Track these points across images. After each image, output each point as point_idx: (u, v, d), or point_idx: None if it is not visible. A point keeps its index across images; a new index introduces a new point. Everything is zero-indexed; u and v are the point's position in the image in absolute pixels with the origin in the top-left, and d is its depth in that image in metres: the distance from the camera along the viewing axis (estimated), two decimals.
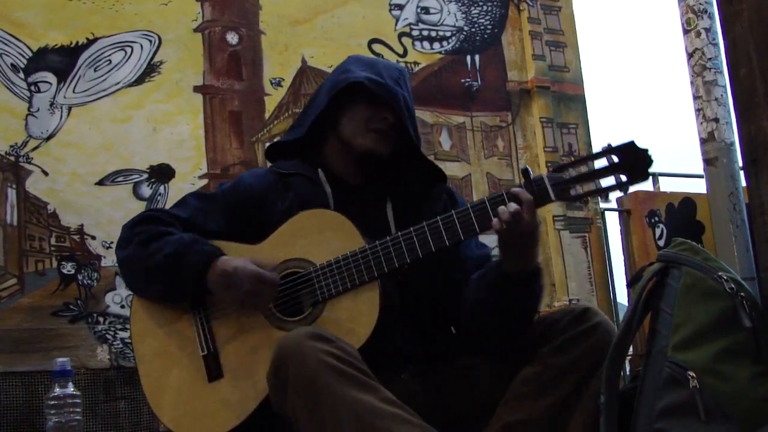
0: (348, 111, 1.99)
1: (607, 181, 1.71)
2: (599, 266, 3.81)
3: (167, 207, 3.01)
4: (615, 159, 1.70)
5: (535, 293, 1.80)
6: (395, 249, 1.78)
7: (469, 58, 3.82)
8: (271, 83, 3.38)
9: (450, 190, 2.08)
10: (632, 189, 1.74)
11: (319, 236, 1.85)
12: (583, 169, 1.72)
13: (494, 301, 1.78)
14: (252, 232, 1.92)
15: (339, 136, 2.00)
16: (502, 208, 1.70)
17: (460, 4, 3.84)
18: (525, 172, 1.74)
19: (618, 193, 1.74)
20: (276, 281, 1.81)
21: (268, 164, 2.16)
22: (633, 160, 1.68)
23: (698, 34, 3.33)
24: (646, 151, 1.69)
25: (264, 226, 1.92)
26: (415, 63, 3.67)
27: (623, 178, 1.69)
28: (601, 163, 1.72)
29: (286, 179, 2.00)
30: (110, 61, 3.13)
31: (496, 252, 1.82)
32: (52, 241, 2.92)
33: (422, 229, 1.77)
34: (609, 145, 1.72)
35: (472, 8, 3.87)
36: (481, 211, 1.75)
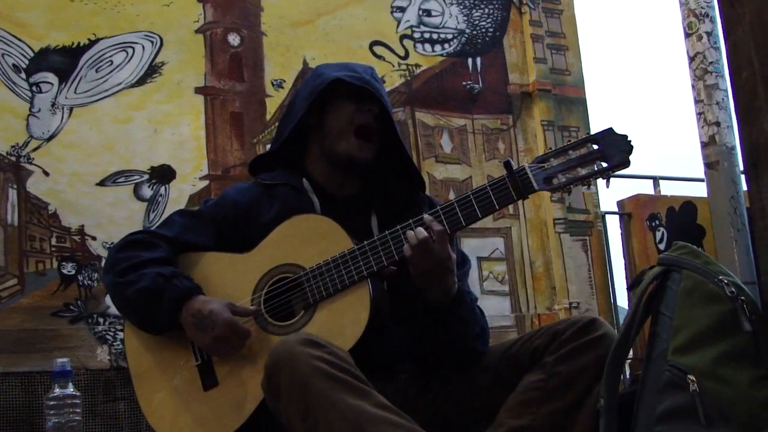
0: (330, 110, 2.01)
1: (589, 169, 1.73)
2: (600, 269, 3.80)
3: (166, 208, 3.04)
4: (595, 147, 1.72)
5: (460, 320, 1.81)
6: (383, 247, 1.79)
7: (470, 60, 3.82)
8: (273, 85, 3.38)
9: (430, 199, 2.10)
10: (614, 175, 1.76)
11: (308, 240, 1.86)
12: (565, 158, 1.74)
13: (422, 331, 1.83)
14: (240, 245, 1.94)
15: (322, 143, 2.02)
16: (410, 233, 1.74)
17: (461, 7, 3.84)
18: (507, 165, 1.76)
19: (601, 180, 1.76)
20: (248, 333, 1.81)
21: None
22: (613, 147, 1.71)
23: (699, 38, 3.33)
24: (626, 137, 1.71)
25: (252, 238, 1.93)
26: (417, 65, 3.67)
27: (604, 164, 1.72)
28: (582, 152, 1.74)
29: (271, 190, 2.02)
30: (112, 61, 3.13)
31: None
32: (53, 241, 2.92)
33: (409, 226, 1.79)
34: (588, 133, 1.74)
35: (474, 11, 3.87)
36: (466, 205, 1.77)
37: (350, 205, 2.00)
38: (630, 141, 1.71)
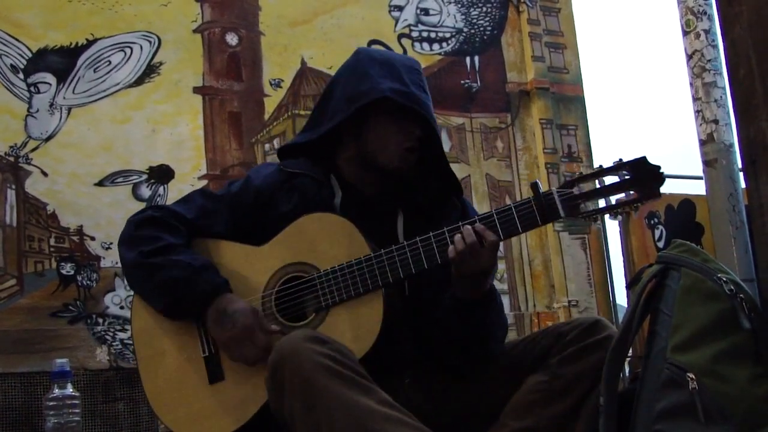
0: (372, 124, 1.93)
1: (618, 198, 1.69)
2: (598, 268, 3.81)
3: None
4: (626, 176, 1.67)
5: (487, 319, 1.80)
6: (401, 259, 1.76)
7: (468, 59, 3.82)
8: (271, 84, 3.38)
9: (464, 203, 2.02)
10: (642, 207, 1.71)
11: (323, 241, 1.84)
12: (593, 185, 1.70)
13: (448, 324, 1.80)
14: (256, 234, 1.90)
15: (360, 147, 1.95)
16: (458, 237, 1.70)
17: (459, 6, 3.84)
18: (534, 187, 1.71)
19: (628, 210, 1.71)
20: (263, 344, 1.77)
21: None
22: (644, 177, 1.66)
23: (697, 36, 3.32)
24: (658, 168, 1.66)
25: (267, 227, 1.90)
26: None
27: (633, 194, 1.67)
28: (611, 179, 1.69)
29: (293, 180, 1.96)
30: (110, 62, 3.13)
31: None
32: (52, 241, 2.92)
33: (429, 240, 1.76)
34: (620, 160, 1.69)
35: (472, 9, 3.87)
36: (488, 225, 1.74)
37: (377, 204, 1.95)
38: (662, 172, 1.66)
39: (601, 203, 1.72)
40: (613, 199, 1.71)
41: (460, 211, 1.98)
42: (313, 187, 1.94)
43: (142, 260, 1.87)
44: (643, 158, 1.67)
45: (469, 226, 1.72)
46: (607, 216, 1.73)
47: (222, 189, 2.05)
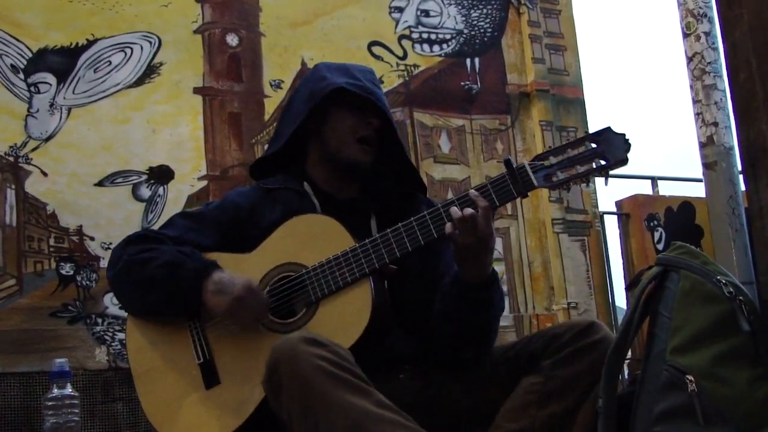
0: (330, 119, 2.01)
1: (588, 167, 1.75)
2: (598, 270, 3.80)
3: (164, 209, 3.04)
4: (593, 145, 1.75)
5: (491, 301, 1.82)
6: (385, 244, 1.80)
7: (468, 61, 3.82)
8: (271, 85, 3.38)
9: (429, 201, 2.09)
10: (612, 172, 1.77)
11: (309, 239, 1.87)
12: (564, 156, 1.76)
13: (453, 310, 1.81)
14: (242, 247, 1.94)
15: (322, 146, 2.03)
16: (455, 209, 1.74)
17: (460, 7, 3.84)
18: (507, 163, 1.77)
19: (599, 178, 1.78)
20: (266, 300, 1.82)
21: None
22: (611, 145, 1.73)
23: (698, 38, 3.33)
24: (623, 135, 1.73)
25: (253, 240, 1.93)
26: (415, 65, 3.67)
27: (602, 162, 1.74)
28: (581, 150, 1.76)
29: (273, 194, 2.02)
30: (110, 62, 3.13)
31: None
32: (51, 241, 2.92)
33: (410, 223, 1.80)
34: (586, 132, 1.76)
35: (472, 11, 3.87)
36: (466, 203, 1.78)
37: (350, 207, 2.01)
38: (628, 139, 1.73)
39: (572, 172, 1.77)
40: (584, 167, 1.76)
41: (426, 206, 2.01)
42: (293, 198, 2.00)
43: (128, 264, 1.90)
44: (608, 128, 1.75)
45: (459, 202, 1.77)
46: (582, 185, 1.79)
47: (201, 207, 2.11)
